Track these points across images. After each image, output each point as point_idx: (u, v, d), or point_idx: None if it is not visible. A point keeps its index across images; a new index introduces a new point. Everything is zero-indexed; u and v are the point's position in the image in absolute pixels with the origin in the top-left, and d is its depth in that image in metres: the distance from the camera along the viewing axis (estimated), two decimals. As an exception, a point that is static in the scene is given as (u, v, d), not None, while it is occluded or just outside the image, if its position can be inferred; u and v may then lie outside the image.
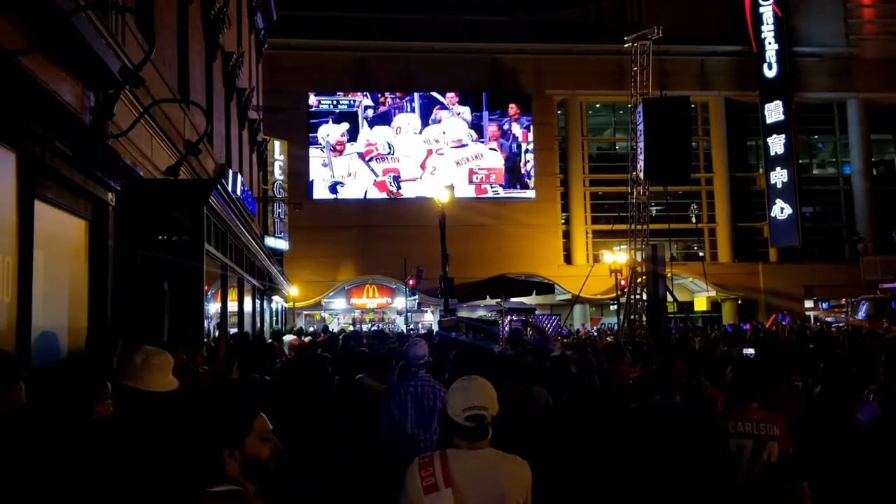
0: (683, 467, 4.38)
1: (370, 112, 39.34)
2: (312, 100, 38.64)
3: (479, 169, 39.99)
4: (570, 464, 5.47)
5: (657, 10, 38.37)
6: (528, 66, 40.60)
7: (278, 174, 30.99)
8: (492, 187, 40.03)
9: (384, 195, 38.88)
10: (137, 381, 3.61)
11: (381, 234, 36.73)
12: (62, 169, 5.88)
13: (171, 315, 8.83)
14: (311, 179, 38.28)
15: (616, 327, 27.73)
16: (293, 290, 30.76)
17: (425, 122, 39.64)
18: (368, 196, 38.86)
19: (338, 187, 38.86)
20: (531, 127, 40.39)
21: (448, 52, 39.33)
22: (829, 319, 32.99)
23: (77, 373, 4.12)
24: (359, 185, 39.03)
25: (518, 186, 40.31)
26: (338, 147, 38.98)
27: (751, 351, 10.71)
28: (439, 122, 39.67)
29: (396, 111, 39.55)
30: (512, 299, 23.55)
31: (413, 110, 39.61)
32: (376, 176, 39.03)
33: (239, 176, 18.36)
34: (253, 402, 2.75)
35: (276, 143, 31.02)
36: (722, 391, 6.10)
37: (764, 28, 41.37)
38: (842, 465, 4.60)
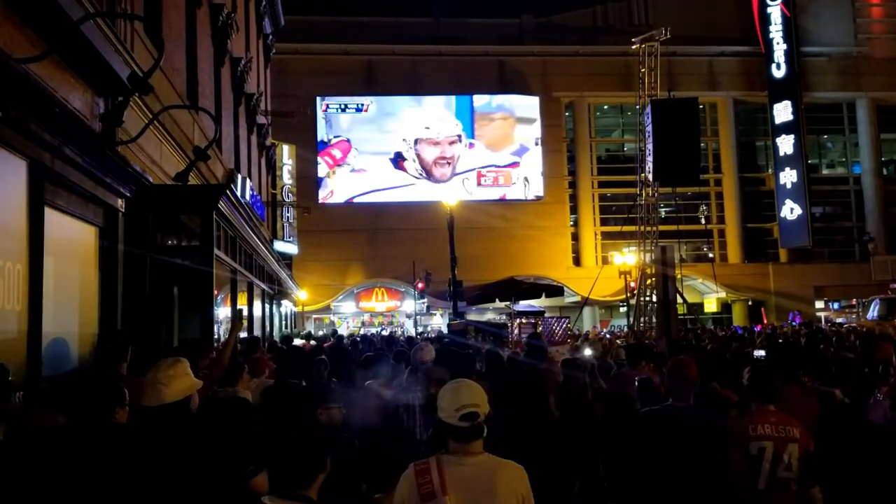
0: (696, 473, 4.35)
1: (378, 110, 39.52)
2: (320, 104, 38.75)
3: (488, 172, 39.99)
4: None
5: (664, 12, 38.36)
6: (535, 68, 40.60)
7: (287, 178, 31.08)
8: (500, 189, 40.09)
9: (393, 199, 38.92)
10: (153, 399, 3.65)
11: (390, 238, 36.76)
12: (72, 176, 5.91)
13: (181, 320, 8.85)
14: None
15: (626, 329, 27.64)
16: (302, 294, 30.81)
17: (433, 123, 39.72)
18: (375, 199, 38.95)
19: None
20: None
21: (455, 54, 39.40)
22: (839, 320, 32.81)
23: (99, 379, 4.19)
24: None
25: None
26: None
27: (761, 353, 10.63)
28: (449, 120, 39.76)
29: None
30: (521, 302, 23.48)
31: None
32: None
33: (248, 181, 18.41)
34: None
35: (285, 148, 31.12)
36: (734, 392, 6.08)
37: (772, 28, 41.22)
38: (855, 468, 4.57)
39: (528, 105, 40.47)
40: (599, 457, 6.12)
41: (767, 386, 4.59)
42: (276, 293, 20.87)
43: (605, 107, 43.60)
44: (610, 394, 6.87)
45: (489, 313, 32.31)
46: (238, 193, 14.53)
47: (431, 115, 39.65)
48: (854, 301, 36.03)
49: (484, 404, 3.20)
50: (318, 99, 38.54)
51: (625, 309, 33.10)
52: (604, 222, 41.27)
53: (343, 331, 31.85)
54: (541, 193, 40.21)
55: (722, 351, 11.32)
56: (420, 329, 31.50)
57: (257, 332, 16.01)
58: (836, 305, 39.46)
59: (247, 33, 20.36)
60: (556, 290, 25.09)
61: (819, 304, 40.01)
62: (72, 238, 6.46)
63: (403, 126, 39.37)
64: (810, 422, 4.87)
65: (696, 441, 4.43)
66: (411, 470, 3.10)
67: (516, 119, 40.40)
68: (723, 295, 39.21)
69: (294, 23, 31.52)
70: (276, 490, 2.59)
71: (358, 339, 19.60)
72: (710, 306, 40.28)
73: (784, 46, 40.89)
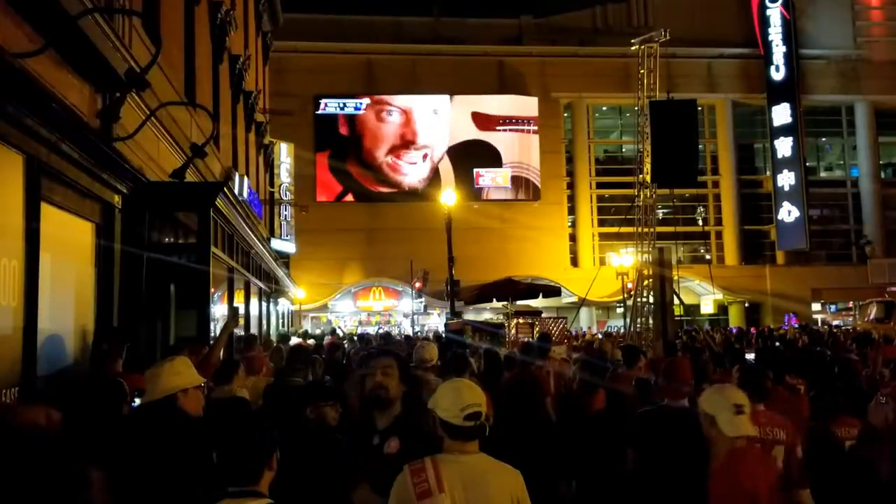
0: (692, 474, 4.33)
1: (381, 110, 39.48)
2: (319, 103, 38.70)
3: (486, 171, 40.01)
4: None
5: (663, 13, 38.37)
6: (534, 68, 40.60)
7: (285, 177, 31.00)
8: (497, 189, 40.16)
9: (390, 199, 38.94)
10: (152, 395, 3.73)
11: (388, 237, 36.75)
12: (69, 172, 5.88)
13: (178, 318, 8.81)
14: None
15: (622, 330, 27.61)
16: (300, 293, 30.74)
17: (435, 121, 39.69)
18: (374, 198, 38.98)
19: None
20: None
21: (454, 54, 39.37)
22: (836, 322, 32.86)
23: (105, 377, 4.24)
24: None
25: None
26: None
27: (751, 356, 10.60)
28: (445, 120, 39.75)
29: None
30: (518, 302, 23.47)
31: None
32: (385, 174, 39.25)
33: (245, 178, 18.37)
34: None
35: (283, 146, 31.04)
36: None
37: (771, 30, 41.24)
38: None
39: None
40: (596, 457, 6.10)
41: (757, 385, 4.58)
42: (274, 291, 20.82)
43: (604, 108, 43.63)
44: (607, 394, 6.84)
45: (486, 313, 32.29)
46: (235, 191, 14.51)
47: (459, 116, 39.76)
48: (851, 304, 36.07)
49: (484, 404, 3.21)
50: (316, 98, 38.50)
51: (622, 310, 33.09)
52: (601, 223, 41.32)
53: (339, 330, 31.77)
54: (538, 194, 40.27)
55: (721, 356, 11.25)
56: (417, 329, 31.45)
57: (254, 330, 15.97)
58: (833, 308, 39.53)
59: (245, 31, 20.31)
60: (553, 291, 25.08)
61: (816, 307, 40.05)
62: (68, 234, 6.43)
63: (429, 128, 39.49)
64: (800, 422, 4.86)
65: (692, 442, 4.41)
66: (406, 470, 3.08)
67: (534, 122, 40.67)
68: (720, 297, 39.22)
69: (293, 21, 31.47)
70: (225, 490, 2.63)
71: (355, 337, 19.56)
72: (707, 308, 40.30)
73: (783, 49, 40.91)
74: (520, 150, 40.35)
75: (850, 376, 6.18)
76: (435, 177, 39.19)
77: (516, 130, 40.30)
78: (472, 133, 39.93)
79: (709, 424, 3.75)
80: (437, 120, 39.59)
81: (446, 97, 39.60)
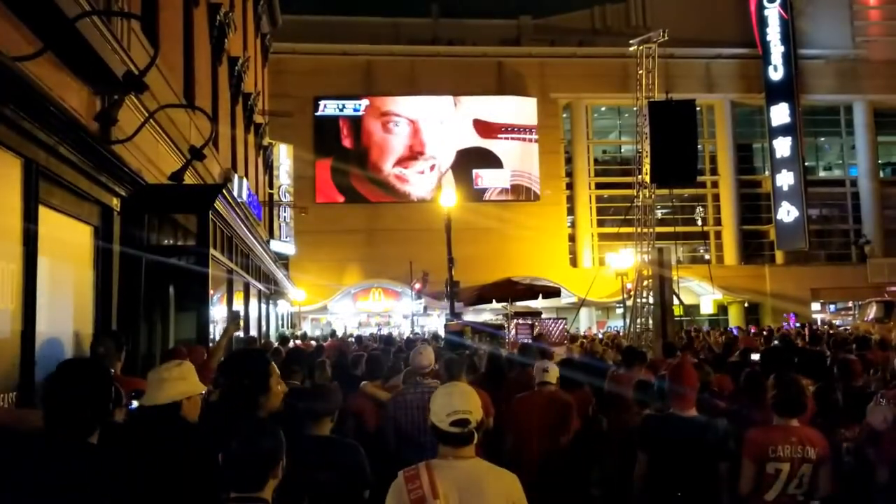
0: (700, 485, 4.33)
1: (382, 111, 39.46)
2: (318, 104, 38.70)
3: (485, 172, 40.00)
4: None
5: (662, 14, 38.34)
6: (532, 69, 40.60)
7: (284, 178, 30.99)
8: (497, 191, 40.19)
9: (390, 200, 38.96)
10: (156, 399, 3.70)
11: (387, 238, 36.76)
12: (67, 175, 5.88)
13: (177, 320, 8.81)
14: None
15: (622, 330, 27.58)
16: (299, 294, 30.71)
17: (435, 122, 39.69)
18: (374, 199, 38.97)
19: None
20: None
21: (453, 55, 39.40)
22: (836, 322, 32.83)
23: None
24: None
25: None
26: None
27: (756, 356, 10.58)
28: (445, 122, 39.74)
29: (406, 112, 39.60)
30: (518, 303, 23.44)
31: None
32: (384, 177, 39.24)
33: (245, 180, 18.36)
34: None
35: (282, 148, 31.03)
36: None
37: (769, 30, 41.26)
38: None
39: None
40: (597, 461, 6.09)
41: (793, 401, 4.52)
42: (273, 293, 20.81)
43: (603, 108, 43.64)
44: (609, 396, 6.84)
45: (486, 314, 32.26)
46: (235, 193, 14.49)
47: (462, 122, 39.77)
48: (850, 303, 36.07)
49: (477, 410, 3.18)
50: (316, 99, 38.50)
51: (621, 310, 33.07)
52: (601, 223, 41.32)
53: (339, 331, 31.74)
54: (538, 194, 40.30)
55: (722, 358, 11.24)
56: (416, 330, 31.41)
57: (254, 332, 15.97)
58: (833, 308, 39.53)
59: (244, 32, 20.31)
60: (553, 292, 25.03)
61: (815, 307, 40.05)
62: (67, 237, 6.42)
63: (436, 136, 39.51)
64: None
65: (703, 453, 4.40)
66: (400, 477, 3.07)
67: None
68: (719, 297, 39.18)
69: (292, 22, 31.49)
70: (227, 496, 2.59)
71: (352, 338, 19.55)
72: (707, 308, 40.28)
73: (781, 49, 40.92)
74: (521, 159, 40.33)
75: (850, 377, 6.16)
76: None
77: (517, 139, 40.28)
78: (474, 140, 39.91)
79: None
80: (443, 128, 39.54)
81: (450, 101, 39.57)
